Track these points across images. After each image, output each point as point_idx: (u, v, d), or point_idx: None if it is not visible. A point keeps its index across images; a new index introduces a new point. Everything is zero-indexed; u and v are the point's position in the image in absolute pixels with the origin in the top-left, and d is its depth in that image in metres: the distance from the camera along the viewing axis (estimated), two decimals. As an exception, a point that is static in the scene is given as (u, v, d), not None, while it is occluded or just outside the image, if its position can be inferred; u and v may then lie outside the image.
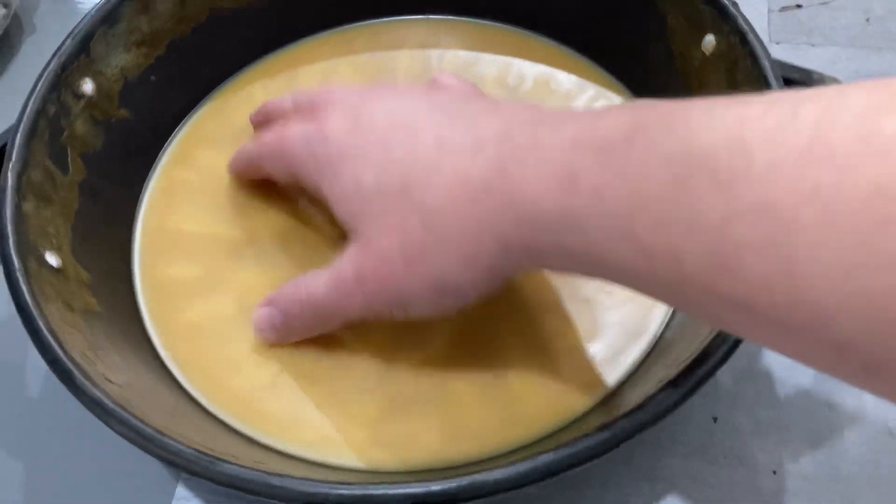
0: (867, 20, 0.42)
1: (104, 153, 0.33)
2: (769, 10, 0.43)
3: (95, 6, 0.33)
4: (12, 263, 0.27)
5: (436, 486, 0.22)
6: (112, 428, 0.23)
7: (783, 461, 0.30)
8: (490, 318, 0.30)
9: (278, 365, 0.30)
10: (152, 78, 0.35)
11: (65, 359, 0.24)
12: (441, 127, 0.24)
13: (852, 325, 0.15)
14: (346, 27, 0.40)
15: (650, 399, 0.23)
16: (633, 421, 0.23)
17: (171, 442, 0.23)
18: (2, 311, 0.34)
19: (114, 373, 0.26)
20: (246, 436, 0.28)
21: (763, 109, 0.16)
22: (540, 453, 0.22)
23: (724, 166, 0.16)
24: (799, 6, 0.42)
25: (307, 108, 0.29)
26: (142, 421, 0.23)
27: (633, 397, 0.25)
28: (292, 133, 0.28)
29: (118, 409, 0.23)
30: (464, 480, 0.22)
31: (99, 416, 0.23)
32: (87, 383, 0.24)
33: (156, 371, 0.30)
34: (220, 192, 0.35)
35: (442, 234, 0.23)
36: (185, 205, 0.35)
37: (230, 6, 0.37)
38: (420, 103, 0.26)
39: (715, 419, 0.31)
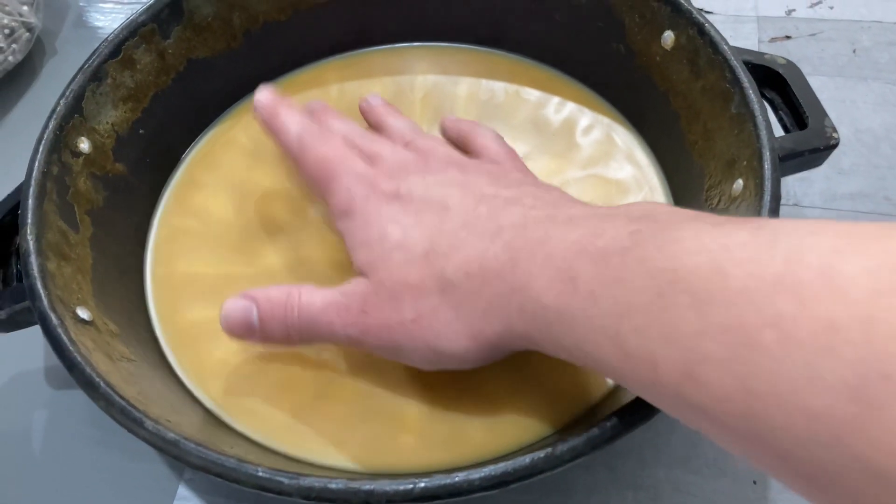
0: (854, 51, 0.45)
1: (106, 208, 0.33)
2: (759, 41, 0.46)
3: (82, 66, 0.33)
4: (50, 319, 0.27)
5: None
6: (191, 464, 0.24)
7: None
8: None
9: (314, 389, 0.31)
10: (141, 131, 0.36)
11: (130, 407, 0.25)
12: (468, 212, 0.26)
13: (793, 439, 0.16)
14: (319, 63, 0.41)
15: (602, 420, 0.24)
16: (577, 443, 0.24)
17: (264, 473, 0.23)
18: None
19: (167, 414, 0.26)
20: (299, 459, 0.29)
21: (743, 241, 0.18)
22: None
23: (703, 287, 0.18)
24: (788, 37, 0.45)
25: (363, 148, 0.31)
26: (221, 453, 0.23)
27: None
28: (347, 169, 0.29)
29: (198, 448, 0.24)
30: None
31: (177, 456, 0.24)
32: (160, 428, 0.24)
33: (199, 411, 0.30)
34: (221, 234, 0.36)
35: (455, 305, 0.25)
36: (190, 250, 0.35)
37: (206, 54, 0.38)
38: (454, 189, 0.27)
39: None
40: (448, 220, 0.26)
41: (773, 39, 0.46)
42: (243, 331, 0.29)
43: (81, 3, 0.53)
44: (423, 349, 0.26)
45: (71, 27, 0.51)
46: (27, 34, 0.47)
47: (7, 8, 0.46)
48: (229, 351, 0.32)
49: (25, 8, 0.47)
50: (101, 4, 0.53)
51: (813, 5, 0.48)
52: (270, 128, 0.32)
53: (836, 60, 0.45)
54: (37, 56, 0.49)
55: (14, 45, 0.46)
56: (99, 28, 0.51)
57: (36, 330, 0.28)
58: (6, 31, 0.46)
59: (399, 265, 0.26)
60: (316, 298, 0.27)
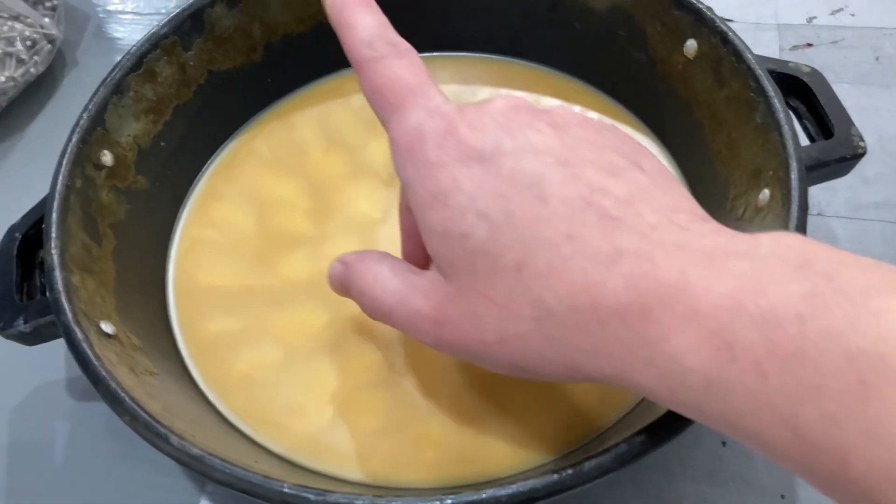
0: (877, 58, 0.45)
1: (128, 221, 0.33)
2: (780, 49, 0.46)
3: (104, 79, 0.33)
4: (74, 334, 0.27)
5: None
6: (216, 480, 0.24)
7: (791, 485, 0.31)
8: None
9: (336, 402, 0.30)
10: (162, 144, 0.36)
11: (155, 423, 0.25)
12: (573, 214, 0.20)
13: None
14: (338, 73, 0.41)
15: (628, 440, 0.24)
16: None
17: (290, 489, 0.23)
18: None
19: (190, 428, 0.26)
20: (321, 473, 0.29)
21: None
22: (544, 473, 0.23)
23: None
24: (810, 45, 0.45)
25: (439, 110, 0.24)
26: (247, 469, 0.23)
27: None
28: (423, 101, 0.23)
29: (223, 464, 0.24)
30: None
31: (202, 472, 0.24)
32: (185, 443, 0.24)
33: (221, 424, 0.30)
34: (242, 245, 0.36)
35: (552, 337, 0.21)
36: (211, 261, 0.35)
37: (226, 66, 0.38)
38: (550, 163, 0.21)
39: (724, 443, 0.32)
40: (546, 221, 0.20)
41: (794, 47, 0.46)
42: (343, 294, 0.27)
43: (101, 15, 0.54)
44: (506, 367, 0.23)
45: (91, 38, 0.52)
46: (48, 46, 0.47)
47: (29, 20, 0.46)
48: (251, 363, 0.32)
49: (47, 20, 0.47)
50: (120, 16, 0.54)
51: (834, 12, 0.48)
52: (336, 21, 0.26)
53: (859, 68, 0.45)
54: (57, 68, 0.50)
55: (36, 57, 0.47)
56: (118, 39, 0.52)
57: (57, 341, 0.28)
58: (28, 42, 0.46)
59: (484, 276, 0.21)
60: (388, 293, 0.24)
